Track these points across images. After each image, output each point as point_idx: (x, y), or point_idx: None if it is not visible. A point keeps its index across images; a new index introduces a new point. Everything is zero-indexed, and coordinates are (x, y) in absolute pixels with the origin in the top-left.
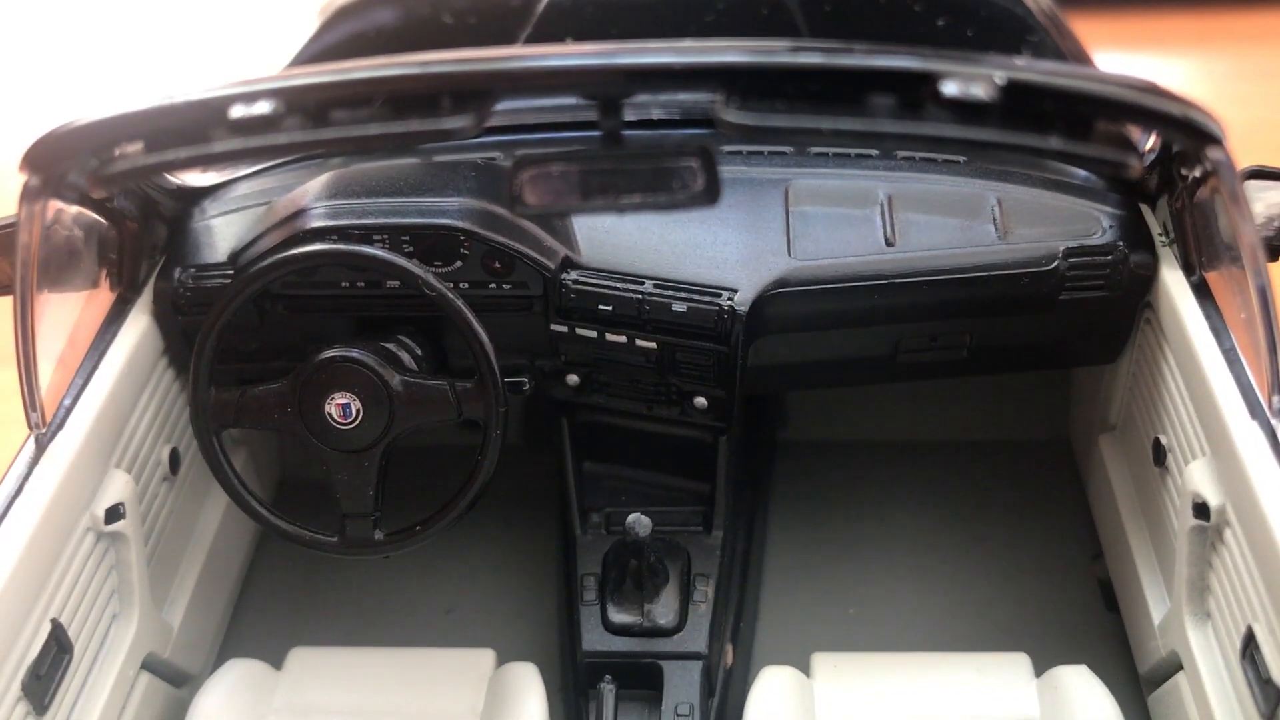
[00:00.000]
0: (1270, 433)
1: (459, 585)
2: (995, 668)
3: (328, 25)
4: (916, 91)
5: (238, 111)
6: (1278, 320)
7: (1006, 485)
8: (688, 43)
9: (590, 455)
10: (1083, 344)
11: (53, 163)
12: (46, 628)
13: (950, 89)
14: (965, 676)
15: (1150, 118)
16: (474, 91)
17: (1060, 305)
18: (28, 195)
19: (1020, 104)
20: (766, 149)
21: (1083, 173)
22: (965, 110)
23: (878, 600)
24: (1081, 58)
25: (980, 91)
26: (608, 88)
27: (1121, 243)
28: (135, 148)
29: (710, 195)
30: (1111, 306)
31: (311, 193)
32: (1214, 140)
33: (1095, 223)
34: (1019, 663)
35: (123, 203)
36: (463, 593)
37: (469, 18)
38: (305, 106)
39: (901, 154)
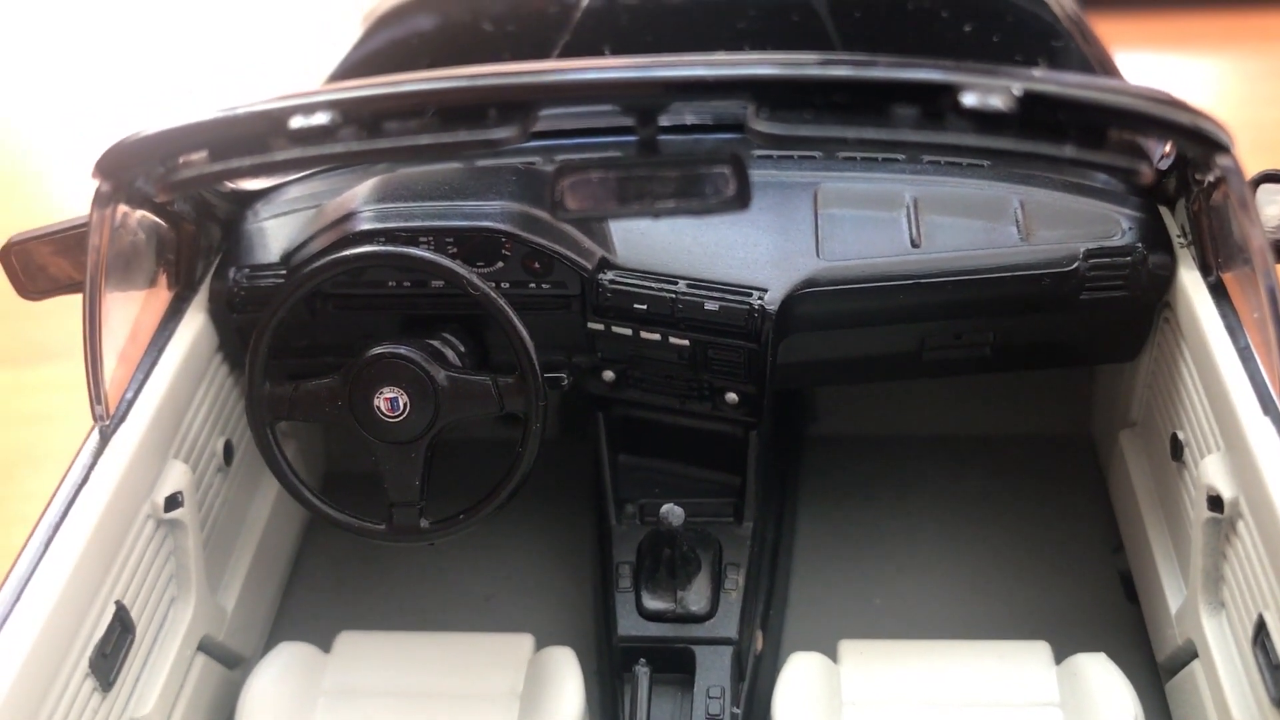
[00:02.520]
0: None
1: (499, 572)
2: (1016, 655)
3: (372, 32)
4: (937, 102)
5: (296, 122)
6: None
7: (1030, 480)
8: (720, 56)
9: (625, 448)
10: (1103, 342)
11: (122, 170)
12: (111, 609)
13: (970, 100)
14: (987, 663)
15: (1161, 127)
16: (519, 103)
17: (1081, 305)
18: (99, 200)
19: (1037, 113)
20: (796, 154)
21: (1103, 176)
22: (984, 119)
23: (903, 590)
24: (1105, 62)
25: (998, 102)
26: (645, 99)
27: (1141, 244)
28: (199, 156)
29: (741, 200)
30: (1131, 306)
31: (360, 196)
32: (1222, 148)
33: (1115, 225)
34: (1040, 651)
35: (180, 206)
36: (502, 580)
37: (508, 25)
38: (359, 117)
39: (927, 158)
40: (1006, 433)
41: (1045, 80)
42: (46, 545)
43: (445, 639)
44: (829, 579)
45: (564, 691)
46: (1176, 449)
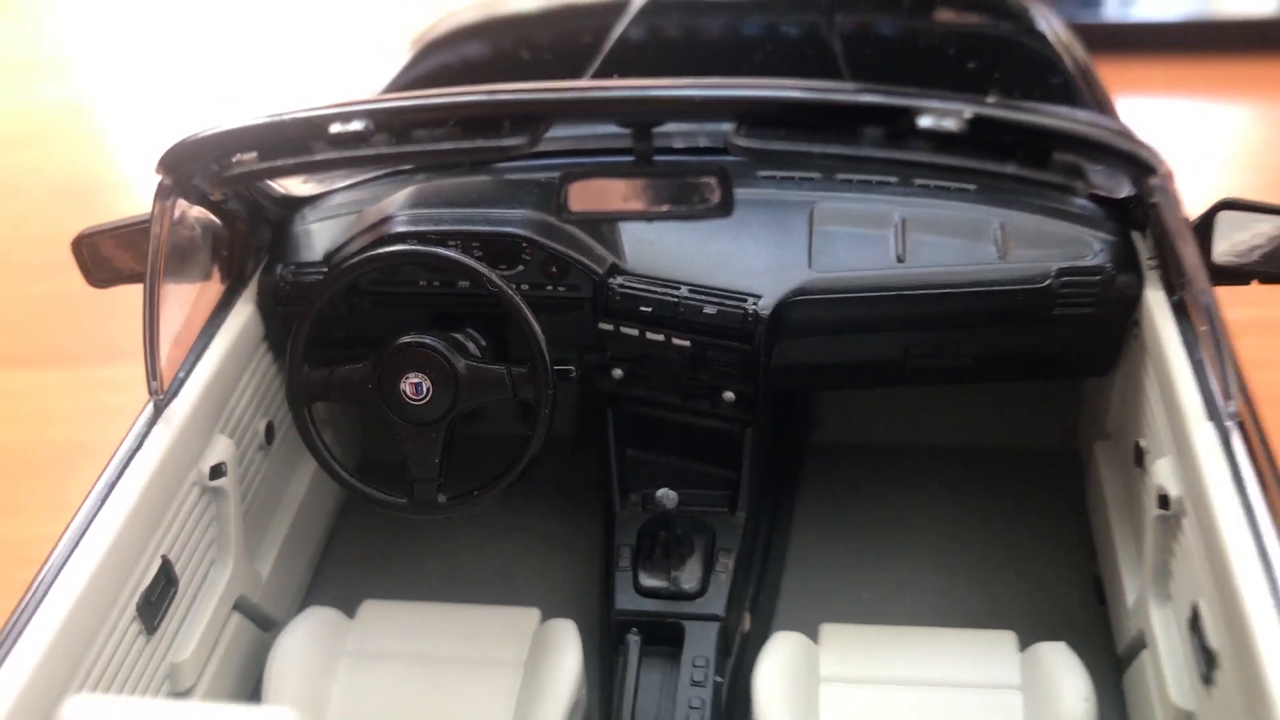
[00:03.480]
0: (1222, 432)
1: (515, 552)
2: (984, 642)
3: (419, 56)
4: (896, 124)
5: (334, 128)
6: (1225, 335)
7: (1018, 489)
8: (706, 80)
9: (632, 443)
10: (1078, 357)
11: (181, 166)
12: (158, 562)
13: (925, 121)
14: (956, 649)
15: (1092, 149)
16: (529, 116)
17: (1054, 320)
18: (160, 193)
19: (985, 135)
20: (797, 175)
21: (1081, 201)
22: (938, 139)
23: (888, 584)
24: (1103, 101)
25: (951, 124)
26: (638, 116)
27: (1110, 265)
28: (249, 156)
29: (725, 208)
30: (1102, 323)
31: (396, 203)
32: (1150, 171)
33: (1088, 247)
34: (1006, 639)
35: (235, 206)
36: (517, 559)
37: (544, 54)
38: (390, 125)
39: (918, 182)
40: (997, 445)
41: (991, 106)
42: (103, 500)
43: (459, 610)
44: (820, 570)
45: (564, 659)
46: (1139, 456)
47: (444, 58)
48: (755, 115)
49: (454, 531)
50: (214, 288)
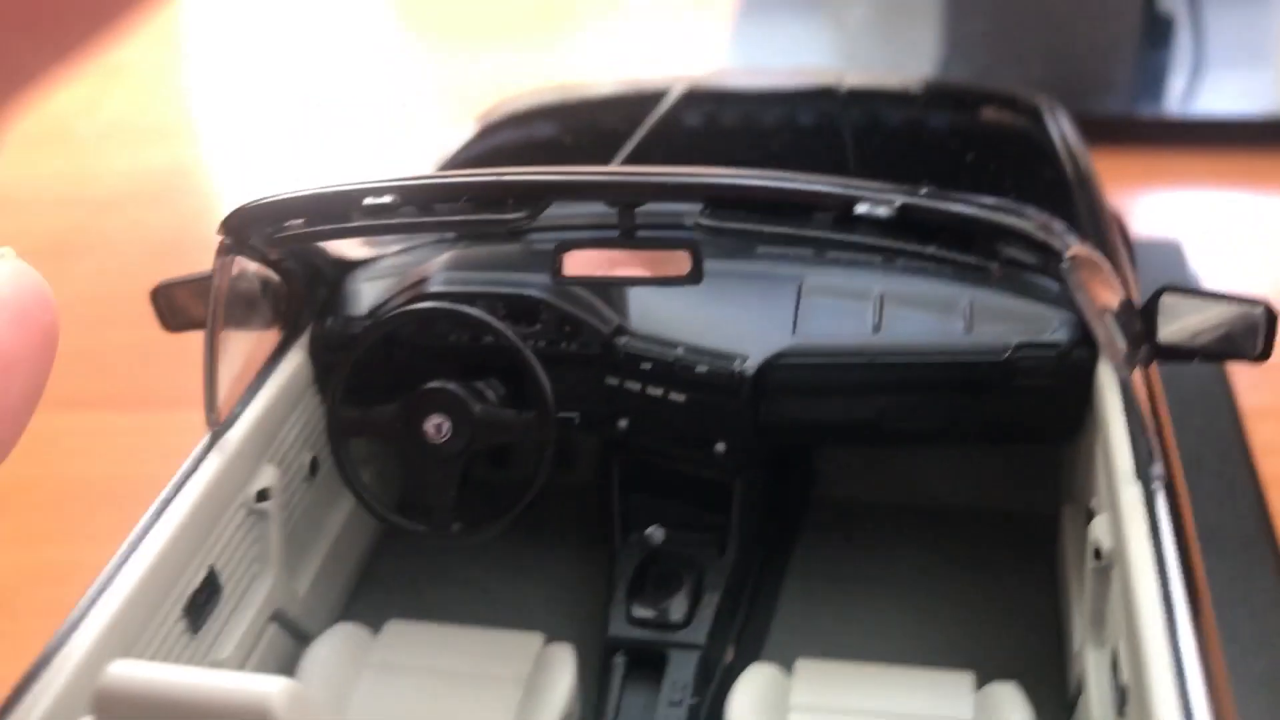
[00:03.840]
0: (1146, 491)
1: (531, 582)
2: (945, 681)
3: (480, 135)
4: (837, 210)
5: (368, 200)
6: (1140, 405)
7: (1001, 548)
8: (678, 170)
9: (635, 488)
10: (1040, 425)
11: (240, 229)
12: (205, 571)
13: (861, 209)
14: (918, 686)
15: (1004, 235)
16: (529, 195)
17: (1014, 390)
18: (221, 251)
19: (914, 221)
20: (791, 252)
21: (1049, 281)
22: (877, 224)
23: (871, 626)
24: (1094, 200)
25: (883, 211)
26: (618, 197)
27: (1065, 340)
28: (298, 221)
29: (695, 278)
30: (1059, 394)
31: (434, 267)
32: (1055, 254)
33: (1048, 324)
34: (965, 679)
35: (292, 265)
36: (533, 588)
37: (583, 139)
38: (413, 199)
39: (901, 262)
40: (987, 506)
41: (919, 197)
42: (159, 513)
43: (472, 632)
44: (808, 611)
45: (560, 678)
46: (1089, 516)
47: (499, 138)
48: (717, 200)
49: (479, 562)
50: (272, 336)
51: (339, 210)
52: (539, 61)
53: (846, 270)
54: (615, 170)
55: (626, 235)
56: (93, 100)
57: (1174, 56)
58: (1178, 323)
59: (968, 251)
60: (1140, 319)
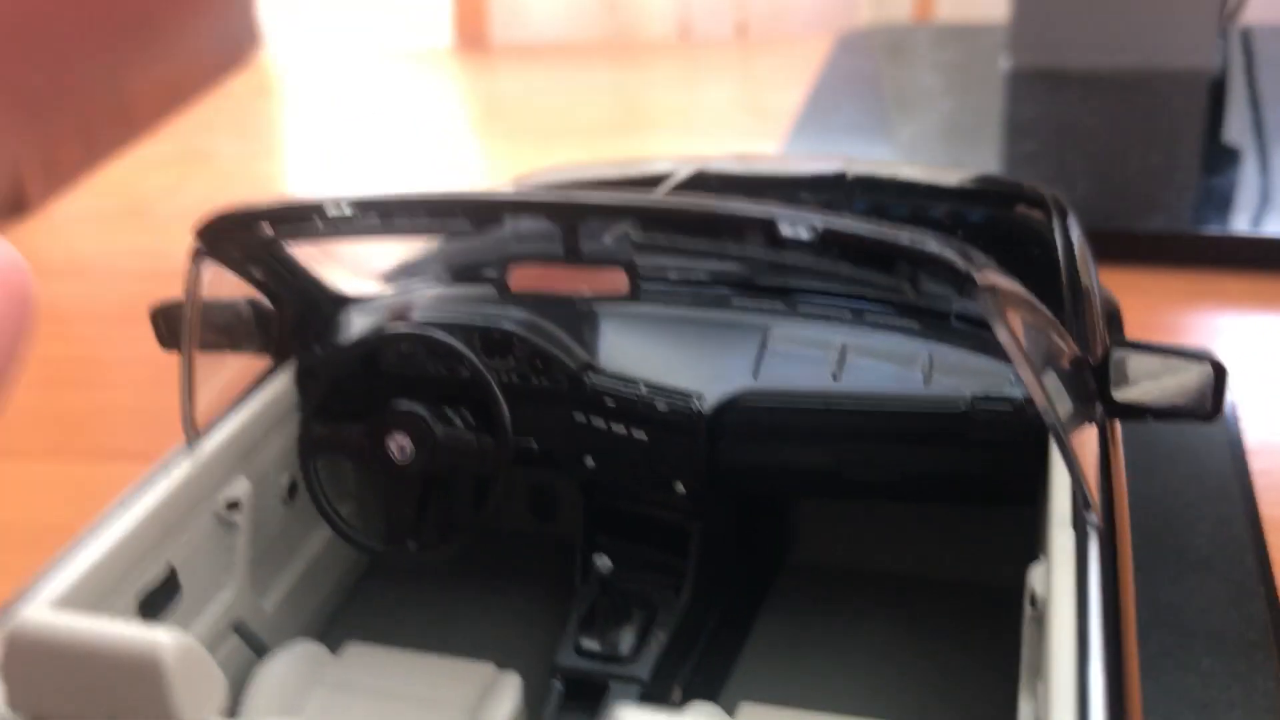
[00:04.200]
0: (1079, 539)
1: (498, 618)
2: None
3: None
4: (764, 233)
5: (330, 211)
6: (1071, 453)
7: (975, 618)
8: (615, 194)
9: (600, 529)
10: (999, 483)
11: (213, 235)
12: (165, 568)
13: (785, 230)
14: None
15: (916, 259)
16: (474, 212)
17: (970, 444)
18: (194, 255)
19: (831, 245)
20: (764, 305)
21: None
22: (792, 245)
23: (831, 684)
24: (1077, 275)
25: (804, 233)
26: (561, 217)
27: (1022, 395)
28: (266, 228)
29: (632, 295)
30: (1017, 450)
31: (418, 300)
32: (969, 281)
33: (1005, 379)
34: None
35: (288, 295)
36: (500, 620)
37: None
38: (374, 211)
39: (868, 318)
40: (960, 578)
41: (835, 220)
42: (122, 505)
43: (427, 659)
44: (767, 663)
45: (500, 705)
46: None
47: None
48: (650, 221)
49: (455, 597)
50: (263, 362)
51: (304, 218)
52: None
53: (814, 323)
54: (555, 194)
55: (570, 254)
56: (176, 184)
57: (1235, 184)
58: (1131, 380)
59: (888, 274)
60: (1094, 376)
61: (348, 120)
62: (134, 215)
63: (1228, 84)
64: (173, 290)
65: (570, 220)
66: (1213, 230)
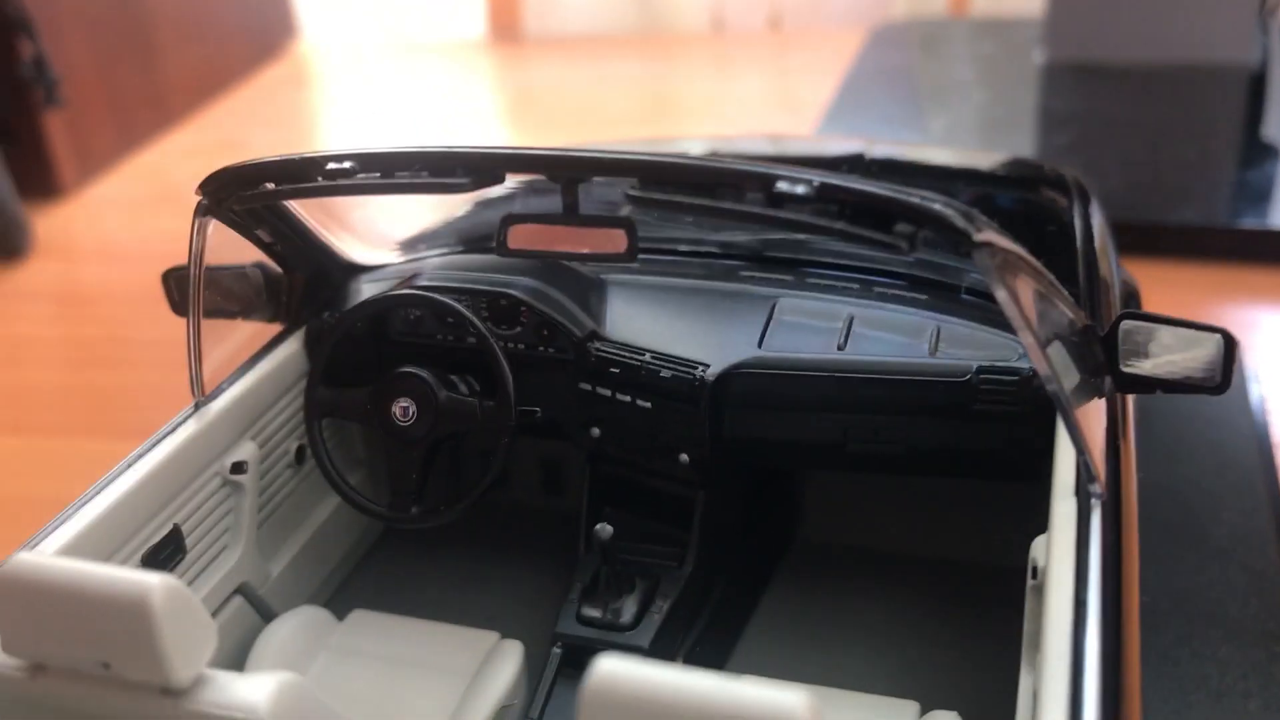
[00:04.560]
0: (1081, 508)
1: (506, 589)
2: (887, 706)
3: None
4: (761, 189)
5: (330, 165)
6: (1074, 421)
7: (986, 599)
8: (614, 148)
9: (605, 500)
10: (1007, 456)
11: (216, 190)
12: (169, 527)
13: (781, 186)
14: (860, 710)
15: (912, 215)
16: (474, 167)
17: (976, 415)
18: (198, 210)
19: (830, 200)
20: (773, 275)
21: None
22: (790, 200)
23: (834, 660)
24: (1094, 254)
25: (801, 190)
26: (561, 172)
27: (1029, 367)
28: (269, 185)
29: (630, 256)
30: (1023, 423)
31: (428, 266)
32: (966, 238)
33: (1013, 351)
34: (908, 707)
35: (299, 263)
36: (506, 595)
37: None
38: (373, 165)
39: (877, 290)
40: (973, 559)
41: (835, 176)
42: (128, 465)
43: (433, 626)
44: (772, 637)
45: (502, 672)
46: None
47: None
48: (650, 178)
49: (464, 569)
50: (274, 327)
51: (305, 174)
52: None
53: (823, 295)
54: (556, 149)
55: (569, 212)
56: (208, 171)
57: (1268, 178)
58: (1140, 352)
59: (888, 232)
60: (1102, 348)
61: (381, 110)
62: (166, 201)
63: (1268, 79)
64: None
65: (570, 175)
66: (1243, 224)
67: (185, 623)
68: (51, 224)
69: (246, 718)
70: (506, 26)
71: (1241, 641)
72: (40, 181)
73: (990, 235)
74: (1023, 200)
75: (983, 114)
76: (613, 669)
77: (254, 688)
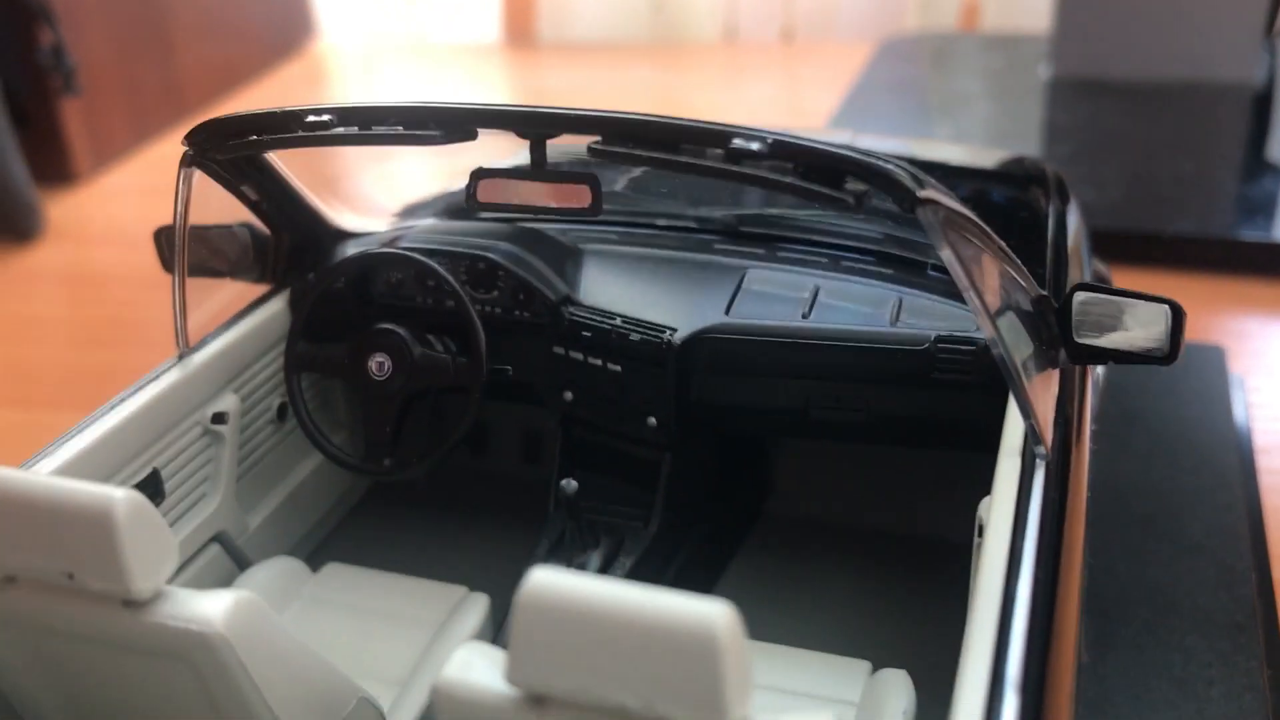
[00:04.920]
0: (1026, 467)
1: (471, 545)
2: (840, 665)
3: None
4: (718, 145)
5: (309, 118)
6: (1019, 383)
7: (950, 570)
8: (585, 109)
9: (576, 463)
10: (966, 427)
11: (201, 141)
12: (148, 470)
13: (736, 143)
14: (815, 667)
15: (858, 172)
16: (450, 122)
17: (934, 384)
18: (183, 160)
19: (783, 157)
20: (744, 248)
21: None
22: (745, 157)
23: (797, 623)
24: (1063, 243)
25: (755, 146)
26: (530, 128)
27: (985, 338)
28: (251, 136)
29: (594, 210)
30: (980, 392)
31: (410, 230)
32: (911, 195)
33: (972, 323)
34: (860, 665)
35: (286, 225)
36: (472, 550)
37: None
38: (351, 119)
39: (844, 264)
40: (939, 535)
41: (788, 135)
42: (111, 409)
43: (403, 580)
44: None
45: (467, 622)
46: None
47: None
48: (614, 134)
49: (444, 530)
50: (261, 287)
51: (286, 126)
52: None
53: (791, 267)
54: (525, 106)
55: (536, 167)
56: None
57: (1267, 193)
58: (1094, 324)
59: (836, 188)
60: (1056, 319)
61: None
62: (173, 190)
63: (1273, 98)
64: None
65: (538, 132)
66: (1238, 235)
67: (147, 536)
68: (64, 209)
69: (202, 629)
70: (521, 31)
71: (1207, 632)
72: (55, 167)
73: (934, 193)
74: (1002, 191)
75: (988, 125)
76: (545, 578)
77: (212, 603)
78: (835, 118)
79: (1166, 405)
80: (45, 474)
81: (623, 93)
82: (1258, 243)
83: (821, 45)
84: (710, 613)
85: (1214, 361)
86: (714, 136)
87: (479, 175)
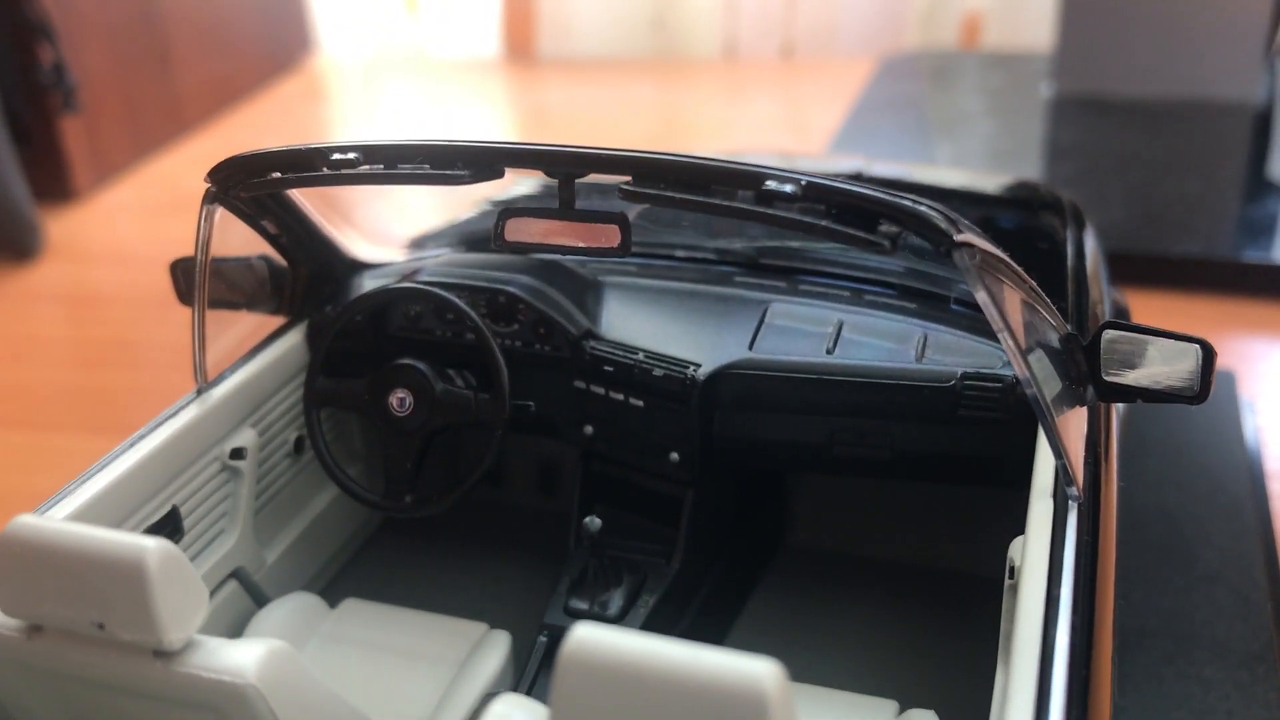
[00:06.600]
0: (1058, 509)
1: (499, 584)
2: (866, 705)
3: None
4: (749, 187)
5: (334, 156)
6: (1052, 425)
7: (973, 606)
8: (612, 149)
9: (597, 497)
10: (991, 463)
11: (224, 178)
12: (168, 507)
13: (770, 185)
14: (840, 708)
15: (892, 215)
16: (474, 160)
17: (960, 420)
18: (206, 197)
19: (816, 200)
20: (766, 281)
21: None
22: (777, 199)
23: (820, 660)
24: (1084, 272)
25: (789, 188)
26: (559, 167)
27: (1012, 376)
28: (275, 174)
29: (623, 249)
30: (1006, 429)
31: (430, 263)
32: (948, 239)
33: (998, 359)
34: (887, 706)
35: (303, 258)
36: (499, 589)
37: None
38: (376, 157)
39: (867, 297)
40: (962, 568)
41: (821, 177)
42: (130, 446)
43: (423, 616)
44: (758, 636)
45: (489, 661)
46: None
47: None
48: (645, 174)
49: (460, 564)
50: (278, 320)
51: (311, 164)
52: None
53: (814, 300)
54: (554, 145)
55: (565, 206)
56: None
57: (1271, 214)
58: (1122, 361)
59: (869, 230)
60: (1085, 357)
61: (394, 127)
62: (177, 208)
63: (1274, 117)
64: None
65: (566, 170)
66: (1244, 257)
67: (179, 586)
68: (64, 227)
69: (235, 680)
70: (521, 47)
71: (1225, 662)
72: (55, 185)
73: (970, 236)
74: (1019, 220)
75: (989, 144)
76: (588, 635)
77: (244, 652)
78: (838, 137)
79: (1177, 430)
80: (68, 512)
81: (623, 109)
82: (1264, 265)
83: (821, 62)
84: (759, 672)
85: (1224, 386)
86: (746, 178)
87: (507, 214)
